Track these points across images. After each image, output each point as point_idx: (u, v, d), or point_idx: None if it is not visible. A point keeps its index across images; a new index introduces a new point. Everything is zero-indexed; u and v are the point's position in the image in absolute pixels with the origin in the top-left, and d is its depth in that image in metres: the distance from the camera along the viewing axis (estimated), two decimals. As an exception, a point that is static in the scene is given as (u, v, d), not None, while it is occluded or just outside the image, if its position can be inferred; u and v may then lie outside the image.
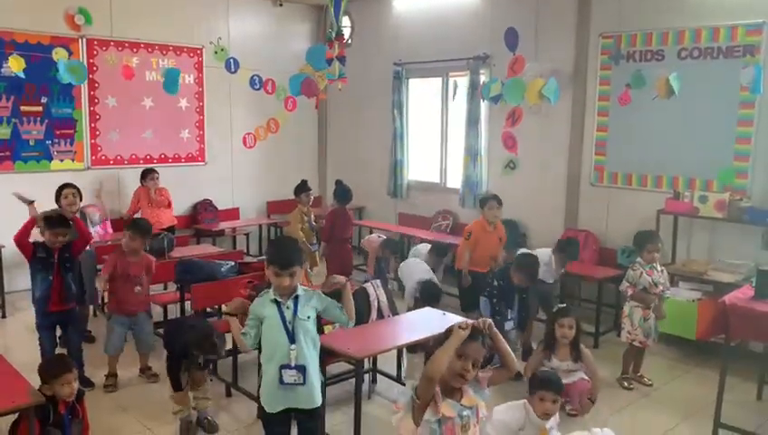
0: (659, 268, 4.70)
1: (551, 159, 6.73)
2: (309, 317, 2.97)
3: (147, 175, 6.97)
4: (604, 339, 5.59)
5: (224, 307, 3.11)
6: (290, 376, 2.90)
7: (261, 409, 3.24)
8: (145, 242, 4.76)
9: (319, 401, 3.04)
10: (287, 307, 2.93)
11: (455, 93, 5.52)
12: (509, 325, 4.78)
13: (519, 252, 5.42)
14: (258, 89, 6.08)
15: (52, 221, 4.26)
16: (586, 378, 4.09)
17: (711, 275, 5.28)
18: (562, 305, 4.25)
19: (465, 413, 2.37)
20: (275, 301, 2.94)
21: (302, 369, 2.92)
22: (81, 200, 5.28)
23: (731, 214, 5.25)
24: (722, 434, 3.91)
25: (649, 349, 4.87)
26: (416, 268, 5.74)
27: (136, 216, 6.50)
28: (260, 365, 4.03)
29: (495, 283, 4.89)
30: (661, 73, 4.85)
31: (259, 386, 3.22)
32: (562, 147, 6.67)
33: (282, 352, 2.91)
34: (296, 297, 2.96)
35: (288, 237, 5.16)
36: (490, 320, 2.47)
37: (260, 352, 3.18)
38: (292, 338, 2.91)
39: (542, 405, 3.23)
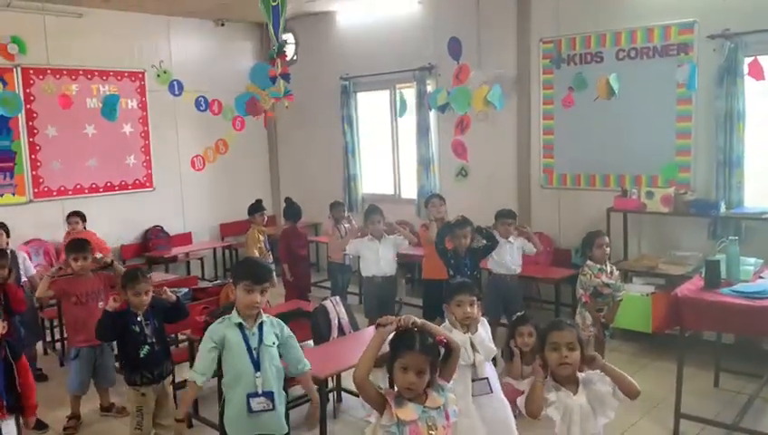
0: (609, 269, 4.72)
1: (501, 165, 6.81)
2: (273, 343, 2.93)
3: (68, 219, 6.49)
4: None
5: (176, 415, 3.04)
6: (258, 403, 2.86)
7: None
8: (89, 257, 4.47)
9: (286, 428, 2.99)
10: (252, 333, 2.88)
11: (401, 109, 5.52)
12: None
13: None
14: (204, 110, 5.98)
15: None
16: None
17: (662, 269, 5.40)
18: (520, 314, 4.25)
19: (430, 414, 2.27)
20: (240, 325, 2.88)
21: (269, 395, 2.88)
22: (8, 237, 5.10)
23: (677, 208, 5.39)
24: (683, 424, 3.98)
25: (608, 344, 4.94)
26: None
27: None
28: (220, 392, 3.94)
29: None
30: (602, 75, 4.97)
31: (221, 414, 3.13)
32: (511, 152, 6.76)
33: (247, 380, 2.86)
34: (261, 324, 2.91)
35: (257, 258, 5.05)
36: (410, 316, 2.35)
37: (219, 379, 3.10)
38: (257, 365, 2.87)
39: (461, 310, 3.16)
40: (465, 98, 4.48)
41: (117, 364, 4.70)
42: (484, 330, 3.22)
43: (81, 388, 4.42)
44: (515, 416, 3.24)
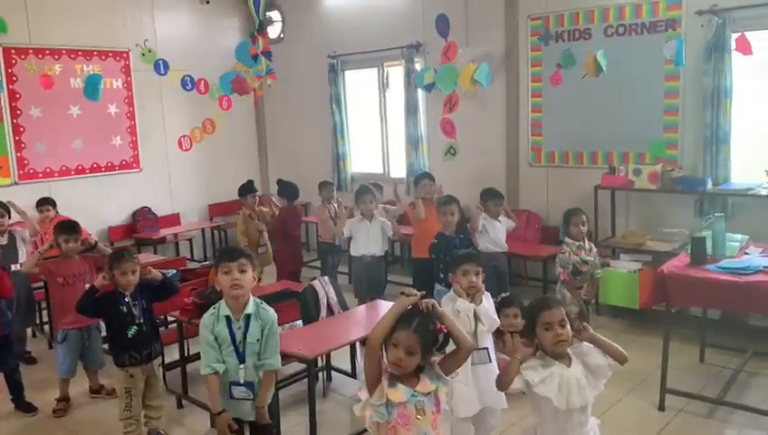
0: (587, 246, 4.76)
1: (489, 143, 6.80)
2: (258, 340, 2.97)
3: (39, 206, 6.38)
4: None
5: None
6: (239, 392, 2.96)
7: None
8: (79, 239, 4.46)
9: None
10: (238, 327, 2.93)
11: (386, 84, 5.49)
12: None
13: None
14: (190, 90, 5.92)
15: None
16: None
17: (649, 246, 5.43)
18: (505, 295, 4.27)
19: (420, 398, 2.28)
20: (227, 317, 2.92)
21: (250, 386, 2.97)
22: (9, 217, 5.03)
23: (664, 184, 5.40)
24: (669, 399, 4.04)
25: (595, 321, 4.98)
26: None
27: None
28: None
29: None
30: (590, 51, 4.95)
31: None
32: (500, 130, 6.74)
33: (231, 370, 2.95)
34: (248, 317, 2.94)
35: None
36: (433, 300, 2.38)
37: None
38: (242, 358, 2.94)
39: (466, 279, 3.19)
40: (452, 77, 4.45)
41: (105, 346, 4.71)
42: (488, 302, 3.24)
43: (70, 371, 4.41)
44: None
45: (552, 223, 6.42)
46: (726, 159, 5.31)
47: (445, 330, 2.33)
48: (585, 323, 2.58)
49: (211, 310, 2.97)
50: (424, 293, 2.39)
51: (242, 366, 2.94)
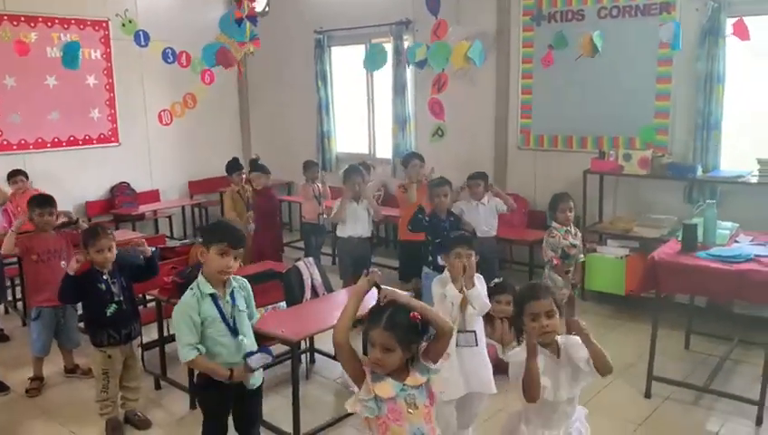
0: (573, 231, 4.74)
1: (478, 124, 6.70)
2: (245, 309, 2.91)
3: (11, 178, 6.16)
4: (538, 300, 5.64)
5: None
6: (257, 361, 2.84)
7: (197, 397, 3.11)
8: (54, 212, 4.31)
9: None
10: (226, 302, 2.82)
11: (370, 62, 5.32)
12: None
13: None
14: (172, 62, 5.71)
15: None
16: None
17: (637, 232, 5.39)
18: (499, 280, 4.19)
19: (409, 392, 2.15)
20: (212, 295, 2.79)
21: (267, 350, 2.92)
22: None
23: (654, 170, 5.35)
24: (655, 386, 4.01)
25: (581, 306, 4.95)
26: None
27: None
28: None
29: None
30: (582, 33, 4.84)
31: (198, 383, 3.03)
32: (489, 111, 6.64)
33: (229, 348, 2.82)
34: (232, 291, 2.85)
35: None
36: (392, 289, 2.23)
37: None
38: (235, 331, 2.84)
39: (459, 262, 3.13)
40: (445, 54, 4.32)
41: (81, 325, 4.58)
42: (480, 284, 3.17)
43: (44, 350, 4.27)
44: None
45: (539, 207, 6.36)
46: (717, 146, 5.27)
47: (418, 317, 2.17)
48: (577, 320, 2.48)
49: (190, 291, 2.81)
50: (379, 273, 2.29)
51: (240, 337, 2.84)
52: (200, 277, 2.82)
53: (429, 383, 2.20)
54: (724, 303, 5.00)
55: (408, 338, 2.14)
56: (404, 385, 2.15)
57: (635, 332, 4.87)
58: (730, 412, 3.82)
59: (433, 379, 2.21)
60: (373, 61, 4.58)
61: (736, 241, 4.13)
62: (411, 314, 2.18)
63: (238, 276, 2.96)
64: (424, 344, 2.22)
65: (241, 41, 4.38)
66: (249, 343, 2.89)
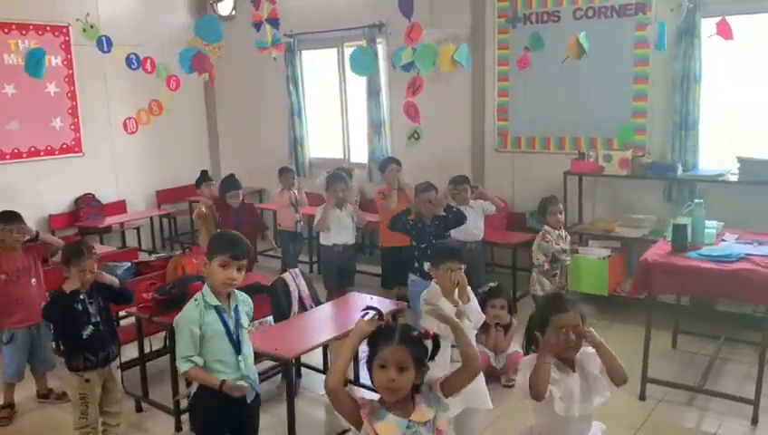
0: (563, 234, 4.73)
1: (454, 127, 6.63)
2: (246, 325, 2.80)
3: None
4: (521, 303, 5.59)
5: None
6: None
7: (191, 420, 2.94)
8: (21, 229, 4.07)
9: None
10: (230, 316, 2.70)
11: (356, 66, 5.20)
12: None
13: None
14: (136, 68, 5.50)
15: None
16: (521, 350, 4.01)
17: (619, 232, 5.40)
18: (494, 284, 4.12)
19: (415, 430, 1.96)
20: (217, 308, 2.67)
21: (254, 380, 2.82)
22: None
23: (634, 171, 5.36)
24: (648, 388, 3.99)
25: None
26: None
27: None
28: (174, 373, 3.67)
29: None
30: (559, 35, 4.82)
31: (191, 402, 2.86)
32: (465, 114, 6.59)
33: (229, 365, 2.70)
34: (236, 305, 2.75)
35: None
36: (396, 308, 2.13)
37: (173, 359, 2.86)
38: (238, 348, 2.72)
39: (453, 275, 3.07)
40: (431, 57, 4.24)
41: (53, 345, 4.34)
42: (472, 296, 3.11)
43: (18, 375, 4.03)
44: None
45: (517, 209, 6.34)
46: (695, 145, 5.31)
47: (431, 332, 2.05)
48: (590, 330, 2.40)
49: (193, 302, 2.69)
50: (385, 315, 2.10)
51: (240, 357, 2.72)
52: (205, 288, 2.70)
53: (437, 420, 2.03)
54: (707, 300, 5.03)
55: (421, 357, 2.01)
56: (410, 422, 1.98)
57: (621, 332, 4.85)
58: (724, 412, 3.82)
59: (440, 416, 2.04)
60: (360, 65, 4.44)
61: (723, 240, 4.15)
62: (422, 328, 2.09)
63: (241, 294, 2.85)
64: (441, 376, 2.10)
65: (262, 46, 4.18)
66: (245, 366, 2.75)
